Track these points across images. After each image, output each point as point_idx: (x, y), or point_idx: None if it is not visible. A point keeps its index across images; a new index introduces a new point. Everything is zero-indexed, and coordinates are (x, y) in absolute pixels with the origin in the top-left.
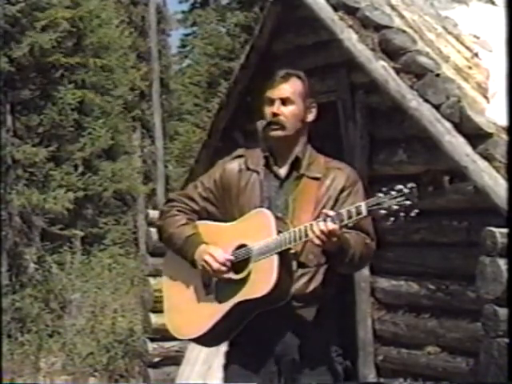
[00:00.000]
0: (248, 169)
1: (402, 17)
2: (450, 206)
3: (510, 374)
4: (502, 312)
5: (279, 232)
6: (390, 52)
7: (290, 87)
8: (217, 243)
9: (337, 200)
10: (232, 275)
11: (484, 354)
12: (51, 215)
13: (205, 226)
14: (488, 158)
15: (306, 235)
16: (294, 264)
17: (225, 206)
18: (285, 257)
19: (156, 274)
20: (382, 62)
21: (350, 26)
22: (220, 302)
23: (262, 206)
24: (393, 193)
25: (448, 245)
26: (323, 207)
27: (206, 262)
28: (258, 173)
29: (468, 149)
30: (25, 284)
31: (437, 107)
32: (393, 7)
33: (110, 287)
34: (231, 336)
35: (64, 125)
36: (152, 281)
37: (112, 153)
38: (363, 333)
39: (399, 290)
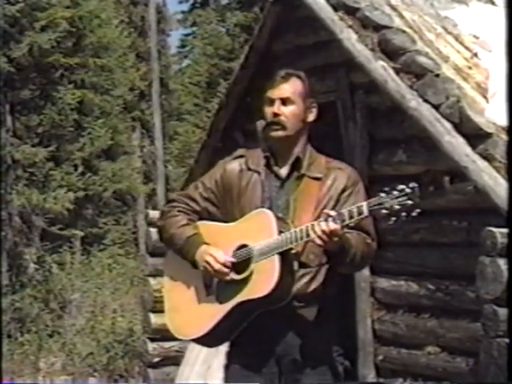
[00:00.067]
0: (249, 169)
1: (401, 17)
2: (450, 206)
3: (510, 373)
4: (502, 312)
5: (280, 232)
6: (390, 52)
7: (290, 87)
8: (218, 243)
9: (338, 200)
10: (233, 275)
11: (484, 354)
12: (51, 215)
13: (206, 227)
14: (488, 158)
15: (308, 235)
16: (296, 264)
17: (226, 206)
18: (286, 257)
19: (156, 274)
20: (382, 62)
21: (350, 26)
22: (221, 302)
23: (263, 207)
24: (394, 193)
25: (448, 245)
26: (324, 207)
27: (207, 262)
28: (258, 173)
29: (468, 149)
30: (25, 284)
31: (436, 107)
32: (393, 7)
33: (110, 287)
34: (232, 336)
35: (64, 125)
36: (152, 281)
37: (112, 153)
38: (363, 333)
39: (399, 290)
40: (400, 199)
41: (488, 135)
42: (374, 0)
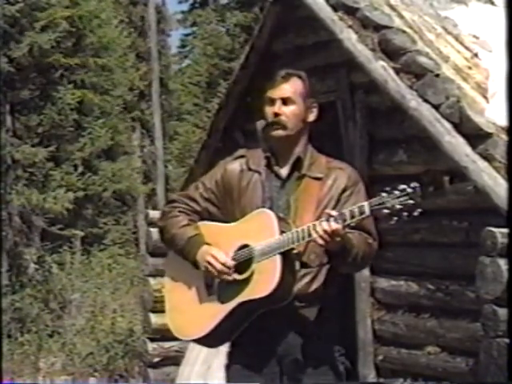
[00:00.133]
0: (249, 169)
1: (401, 17)
2: (450, 206)
3: (510, 374)
4: (502, 312)
5: (282, 232)
6: (390, 52)
7: (290, 87)
8: (219, 244)
9: (339, 200)
10: (235, 275)
11: (484, 354)
12: (51, 215)
13: (206, 227)
14: (488, 158)
15: (309, 235)
16: (297, 264)
17: (226, 206)
18: (287, 257)
19: (156, 274)
20: (382, 62)
21: (350, 26)
22: (222, 302)
23: (263, 207)
24: (396, 192)
25: (448, 245)
26: (325, 207)
27: (208, 263)
28: (259, 173)
29: (468, 149)
30: (25, 284)
31: (436, 107)
32: (392, 7)
33: (110, 287)
34: (233, 336)
35: (63, 125)
36: (152, 281)
37: (112, 153)
38: (363, 333)
39: (399, 290)
40: (401, 199)
41: (488, 135)
42: (374, 0)
